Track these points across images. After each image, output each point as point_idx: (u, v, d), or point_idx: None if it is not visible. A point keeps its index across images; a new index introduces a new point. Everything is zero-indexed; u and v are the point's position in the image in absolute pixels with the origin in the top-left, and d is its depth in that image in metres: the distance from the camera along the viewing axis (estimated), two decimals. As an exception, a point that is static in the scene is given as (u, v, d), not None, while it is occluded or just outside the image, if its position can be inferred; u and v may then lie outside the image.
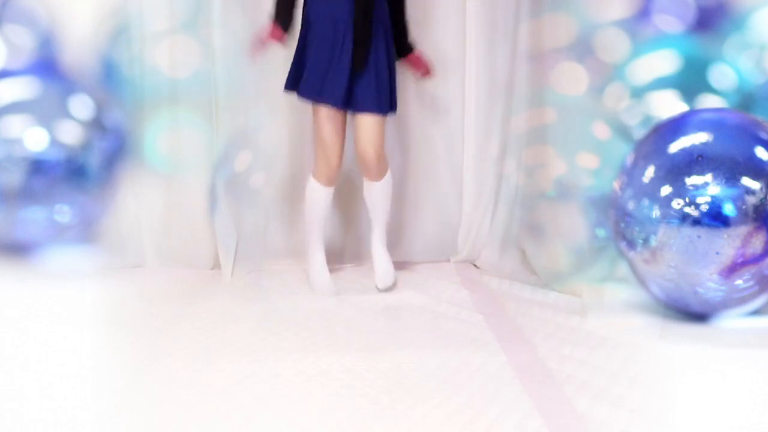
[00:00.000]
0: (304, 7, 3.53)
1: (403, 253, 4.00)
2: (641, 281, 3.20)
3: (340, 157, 3.56)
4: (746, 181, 2.96)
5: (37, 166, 3.58)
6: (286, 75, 3.56)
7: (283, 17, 3.50)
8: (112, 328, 3.03)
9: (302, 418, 2.40)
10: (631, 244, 3.13)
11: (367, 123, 3.52)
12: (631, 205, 3.12)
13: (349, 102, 3.47)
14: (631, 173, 3.16)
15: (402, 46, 3.65)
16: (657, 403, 2.48)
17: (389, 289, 3.60)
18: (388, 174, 3.64)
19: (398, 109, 3.62)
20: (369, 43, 3.45)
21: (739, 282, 2.99)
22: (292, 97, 3.68)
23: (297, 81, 3.53)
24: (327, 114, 3.50)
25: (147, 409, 2.45)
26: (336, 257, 3.90)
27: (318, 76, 3.47)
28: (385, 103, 3.52)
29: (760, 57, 3.37)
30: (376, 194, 3.64)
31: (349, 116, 3.57)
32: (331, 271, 3.68)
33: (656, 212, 3.04)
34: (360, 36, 3.44)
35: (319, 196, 3.60)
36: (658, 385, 2.60)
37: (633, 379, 2.64)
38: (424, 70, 3.72)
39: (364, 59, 3.45)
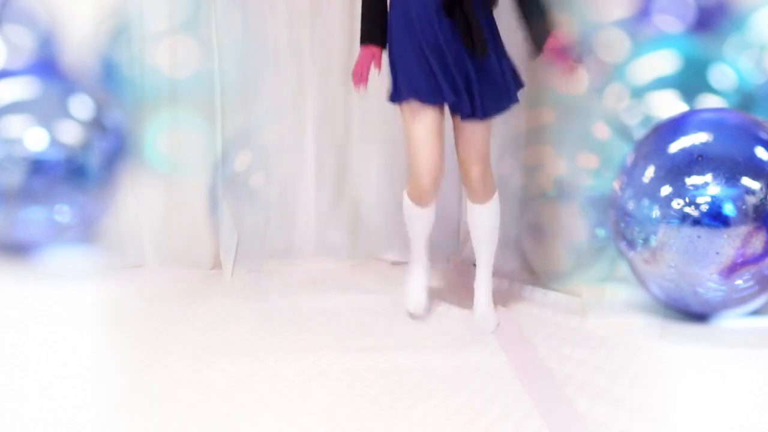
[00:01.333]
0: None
1: (403, 253, 3.99)
2: (641, 281, 3.20)
3: (437, 175, 3.03)
4: (746, 181, 2.96)
5: (37, 166, 3.58)
6: (389, 89, 3.07)
7: (377, 33, 3.02)
8: (112, 328, 3.03)
9: (302, 418, 2.40)
10: (631, 244, 3.13)
11: (469, 134, 3.01)
12: (631, 205, 3.12)
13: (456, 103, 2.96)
14: (631, 173, 3.16)
15: (538, 33, 2.97)
16: (657, 403, 2.48)
17: (484, 333, 3.11)
18: (496, 195, 3.11)
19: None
20: (477, 26, 2.89)
21: (739, 282, 2.99)
22: (292, 97, 3.67)
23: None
24: (425, 121, 2.98)
25: (147, 409, 2.45)
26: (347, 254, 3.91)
27: (415, 80, 2.96)
28: (509, 95, 2.99)
29: (760, 57, 3.37)
30: (482, 220, 3.13)
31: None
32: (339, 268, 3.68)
33: (656, 212, 3.03)
34: (464, 21, 2.89)
35: (413, 214, 3.18)
36: (658, 385, 2.60)
37: (633, 379, 2.64)
38: (566, 64, 3.02)
39: (483, 43, 2.88)
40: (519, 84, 3.07)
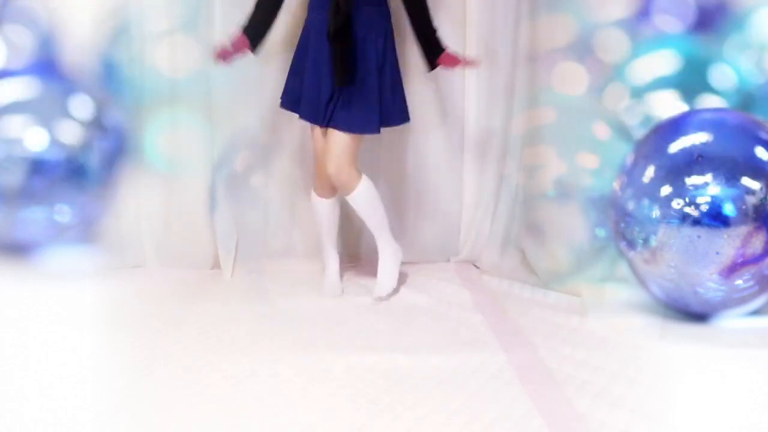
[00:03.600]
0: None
1: (403, 253, 3.99)
2: (641, 281, 3.20)
3: None
4: (746, 181, 2.96)
5: (37, 166, 3.58)
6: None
7: (254, 31, 3.41)
8: (112, 328, 3.03)
9: (302, 418, 2.40)
10: (631, 244, 3.13)
11: (330, 138, 3.43)
12: (631, 205, 3.12)
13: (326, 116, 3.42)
14: (631, 173, 3.16)
15: (432, 52, 3.52)
16: (657, 403, 2.48)
17: (384, 298, 3.49)
18: (359, 188, 3.45)
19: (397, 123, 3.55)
20: (349, 58, 3.32)
21: (739, 282, 2.99)
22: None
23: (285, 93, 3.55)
24: (316, 130, 3.50)
25: (147, 409, 2.45)
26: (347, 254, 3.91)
27: (298, 89, 3.46)
28: (365, 121, 3.40)
29: (760, 57, 3.37)
30: (355, 207, 3.54)
31: None
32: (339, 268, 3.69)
33: (656, 212, 3.04)
34: (339, 50, 3.31)
35: (320, 208, 3.60)
36: (658, 385, 2.60)
37: (633, 379, 2.64)
38: (462, 64, 3.56)
39: (347, 75, 3.32)
40: (403, 118, 3.55)
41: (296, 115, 3.57)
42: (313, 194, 3.60)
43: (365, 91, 3.39)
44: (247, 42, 3.42)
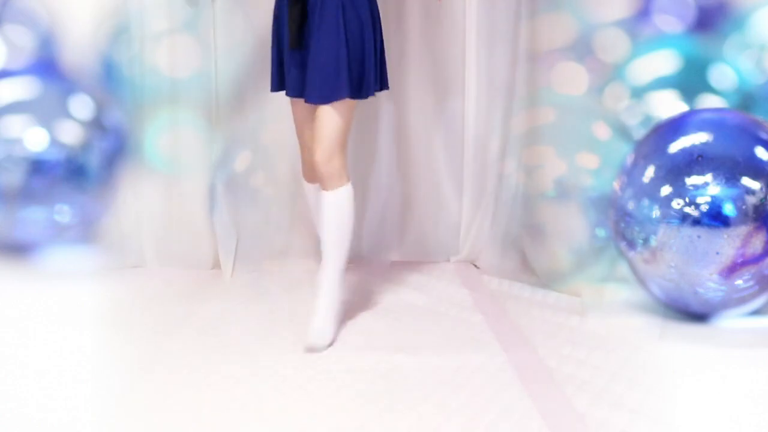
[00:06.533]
0: None
1: (403, 253, 4.00)
2: (641, 281, 3.20)
3: (309, 156, 3.24)
4: (746, 181, 2.96)
5: (37, 166, 3.58)
6: None
7: None
8: (112, 328, 3.03)
9: (302, 418, 2.40)
10: (631, 244, 3.13)
11: (316, 121, 3.04)
12: (631, 205, 3.12)
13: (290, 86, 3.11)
14: (631, 173, 3.16)
15: None
16: (657, 403, 2.48)
17: (315, 350, 2.92)
18: (344, 189, 3.03)
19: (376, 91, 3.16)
20: (299, 19, 3.00)
21: (739, 282, 2.99)
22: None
23: None
24: (293, 107, 3.24)
25: (147, 410, 2.45)
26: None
27: (272, 58, 3.21)
28: (329, 88, 2.98)
29: (760, 57, 3.37)
30: (324, 209, 3.05)
31: None
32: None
33: (656, 212, 3.04)
34: (292, 10, 3.00)
35: (307, 193, 3.42)
36: (658, 385, 2.61)
37: (633, 379, 2.65)
38: None
39: (298, 36, 2.99)
40: (382, 85, 3.18)
41: (285, 114, 3.56)
42: (303, 180, 3.41)
43: (325, 54, 2.98)
44: None
